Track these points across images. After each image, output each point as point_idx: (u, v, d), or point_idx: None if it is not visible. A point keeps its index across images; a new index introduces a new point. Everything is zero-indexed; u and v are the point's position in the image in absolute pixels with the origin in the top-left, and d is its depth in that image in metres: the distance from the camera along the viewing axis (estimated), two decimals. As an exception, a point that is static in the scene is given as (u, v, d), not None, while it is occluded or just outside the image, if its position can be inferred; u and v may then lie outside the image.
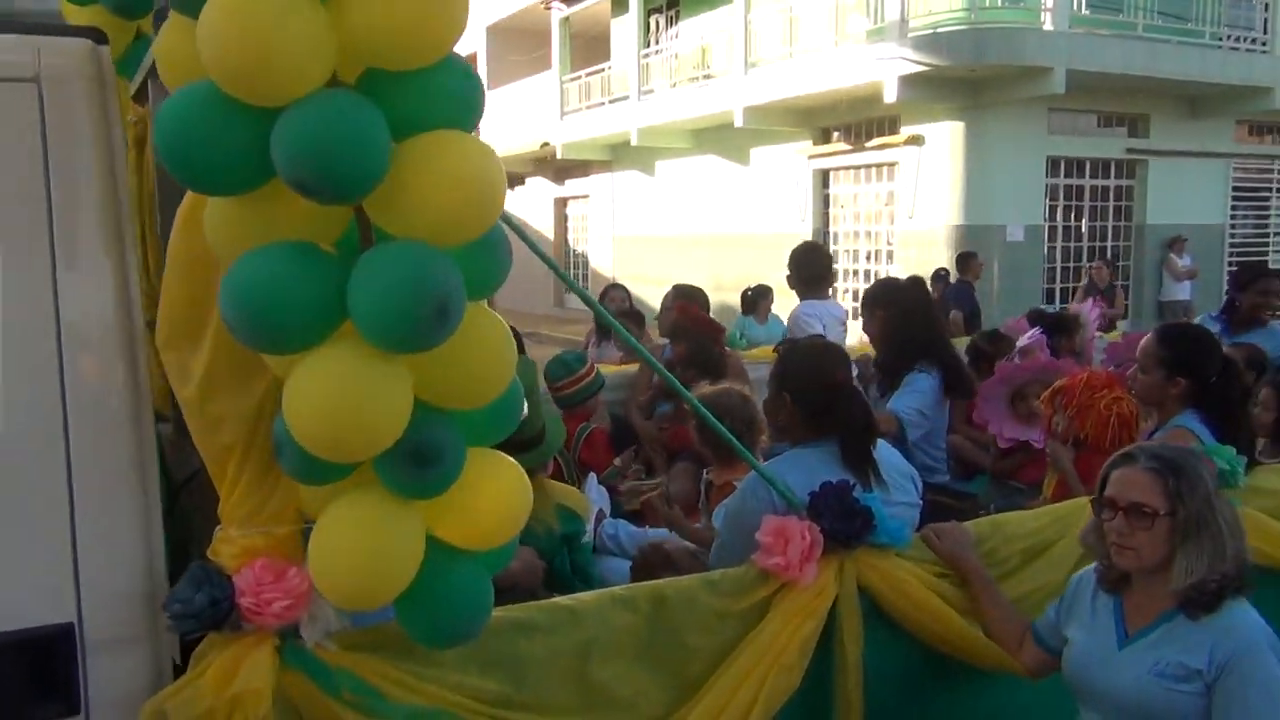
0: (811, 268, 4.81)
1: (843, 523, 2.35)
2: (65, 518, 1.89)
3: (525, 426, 3.10)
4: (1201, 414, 3.15)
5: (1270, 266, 5.83)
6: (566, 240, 26.36)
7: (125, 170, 2.01)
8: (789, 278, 4.86)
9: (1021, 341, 4.52)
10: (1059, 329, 4.91)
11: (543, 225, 26.56)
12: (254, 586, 1.85)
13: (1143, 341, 3.35)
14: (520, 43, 25.15)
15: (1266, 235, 18.21)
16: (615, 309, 6.57)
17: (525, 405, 3.01)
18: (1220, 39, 15.55)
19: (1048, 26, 14.17)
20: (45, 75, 1.86)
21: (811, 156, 17.96)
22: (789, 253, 4.91)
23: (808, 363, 2.85)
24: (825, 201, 18.27)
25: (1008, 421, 4.05)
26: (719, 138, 19.38)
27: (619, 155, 22.57)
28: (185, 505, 2.40)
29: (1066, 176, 16.14)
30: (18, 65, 1.85)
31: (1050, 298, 15.84)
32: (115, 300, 1.93)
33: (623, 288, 7.79)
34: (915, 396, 4.02)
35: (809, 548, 2.31)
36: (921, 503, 2.89)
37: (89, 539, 1.91)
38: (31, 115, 1.85)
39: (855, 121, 16.92)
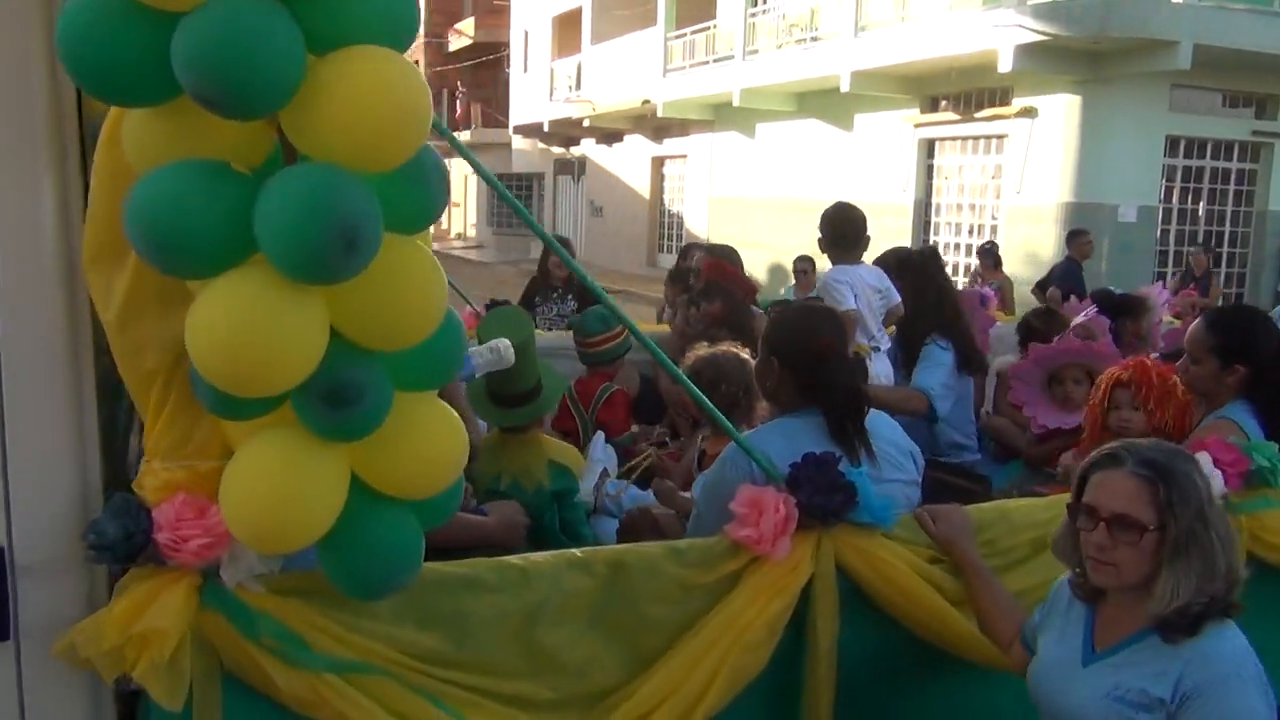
0: (844, 229, 4.56)
1: (822, 497, 2.18)
2: (-5, 439, 1.85)
3: (519, 380, 3.01)
4: (1252, 405, 2.88)
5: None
6: (662, 199, 26.18)
7: (73, 85, 1.94)
8: (820, 240, 4.64)
9: (1076, 320, 4.23)
10: (1124, 311, 4.60)
11: (639, 183, 26.44)
12: (172, 522, 1.78)
13: (1191, 328, 3.08)
14: (626, -2, 24.94)
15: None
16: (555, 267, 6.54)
17: (511, 356, 2.93)
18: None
19: (1175, -1, 13.43)
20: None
21: (918, 125, 17.48)
22: (821, 214, 4.69)
23: (796, 325, 2.68)
24: (929, 172, 17.78)
25: (1042, 406, 3.79)
26: (823, 102, 18.95)
27: (720, 116, 22.24)
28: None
29: (1186, 157, 15.37)
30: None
31: (1161, 282, 15.11)
32: (54, 220, 1.86)
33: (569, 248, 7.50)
34: (937, 370, 3.82)
35: (783, 521, 2.15)
36: (921, 480, 2.69)
37: (20, 461, 1.86)
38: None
39: (965, 90, 16.38)
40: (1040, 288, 10.61)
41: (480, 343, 2.99)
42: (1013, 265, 15.67)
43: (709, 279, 4.70)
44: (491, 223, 35.24)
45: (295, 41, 1.48)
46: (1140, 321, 4.65)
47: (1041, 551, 2.41)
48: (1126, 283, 13.27)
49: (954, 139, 17.18)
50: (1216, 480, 2.50)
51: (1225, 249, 15.89)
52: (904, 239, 17.41)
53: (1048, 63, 14.10)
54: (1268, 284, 15.59)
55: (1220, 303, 13.57)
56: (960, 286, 11.95)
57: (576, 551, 2.17)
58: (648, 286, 19.96)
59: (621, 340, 4.19)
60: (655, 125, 24.60)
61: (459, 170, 39.84)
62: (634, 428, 3.97)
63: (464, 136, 35.78)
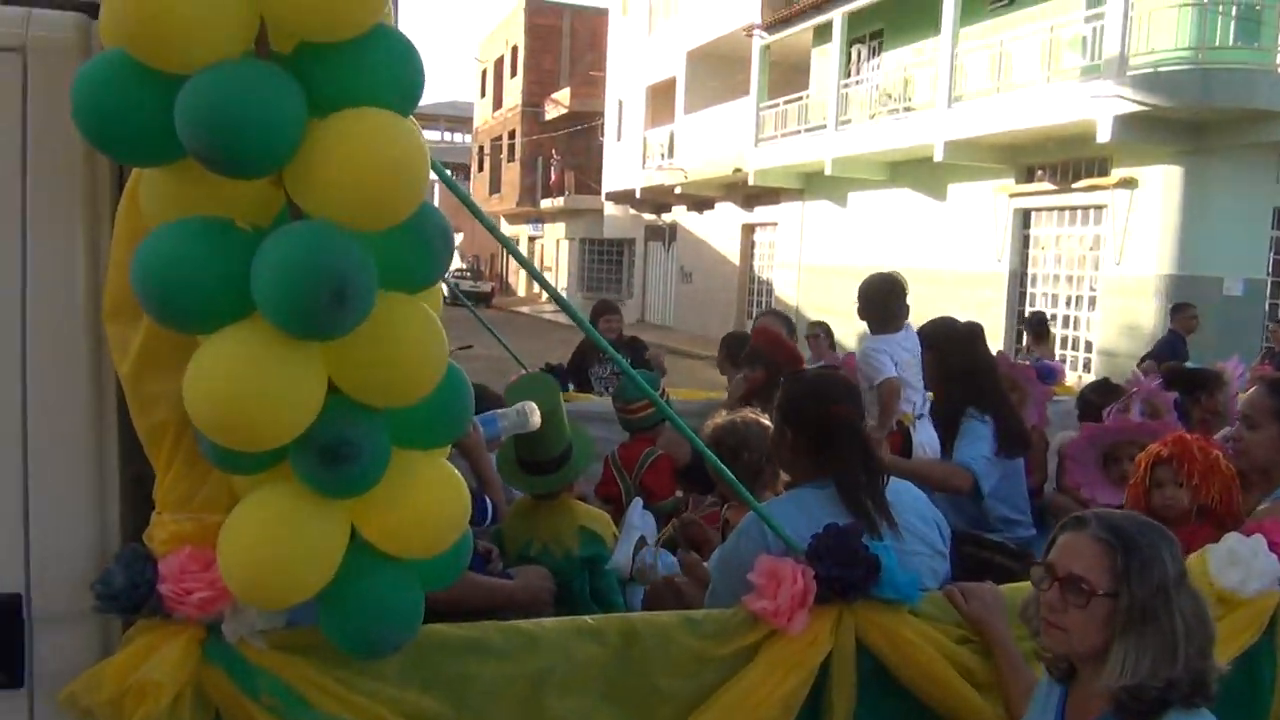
0: (883, 299, 4.48)
1: (843, 570, 2.10)
2: (18, 488, 1.89)
3: (548, 446, 2.99)
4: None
5: None
6: (752, 267, 26.20)
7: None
8: (860, 309, 4.56)
9: (1133, 390, 4.03)
10: (1196, 386, 4.38)
11: (728, 250, 26.53)
12: (176, 574, 1.79)
13: (1249, 394, 2.92)
14: (719, 68, 25.28)
15: None
16: (606, 332, 6.56)
17: (536, 420, 2.91)
18: None
19: (1282, 68, 13.06)
20: (32, 46, 1.88)
21: (1013, 195, 17.22)
22: (860, 283, 4.61)
23: (807, 392, 2.61)
24: (1025, 242, 17.48)
25: (1100, 486, 3.62)
26: (916, 171, 18.84)
27: (811, 184, 22.26)
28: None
29: (1294, 228, 14.78)
30: (4, 35, 1.87)
31: (1237, 357, 14.47)
32: (85, 275, 1.92)
33: (619, 314, 7.56)
34: (978, 444, 3.69)
35: (801, 593, 2.08)
36: (950, 552, 2.58)
37: (41, 510, 1.91)
38: (14, 85, 1.87)
39: (1062, 161, 16.12)
40: (1145, 363, 10.24)
41: (508, 405, 2.99)
42: (1110, 338, 15.25)
43: (755, 346, 4.65)
44: (582, 286, 35.69)
45: (294, 103, 1.52)
46: (1215, 397, 4.42)
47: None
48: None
49: (1050, 209, 16.88)
50: (1273, 563, 2.34)
51: (1337, 324, 15.18)
52: (998, 309, 17.10)
53: (1148, 133, 13.81)
54: (1385, 362, 14.83)
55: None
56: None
57: (589, 619, 2.12)
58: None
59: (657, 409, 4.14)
60: (746, 193, 24.73)
61: (552, 235, 40.63)
62: (678, 493, 3.91)
63: (558, 203, 36.49)
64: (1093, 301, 16.00)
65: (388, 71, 1.62)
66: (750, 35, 22.64)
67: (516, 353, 5.54)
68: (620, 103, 32.18)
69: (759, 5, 22.58)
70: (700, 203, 27.63)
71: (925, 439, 4.20)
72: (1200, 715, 1.74)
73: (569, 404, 5.18)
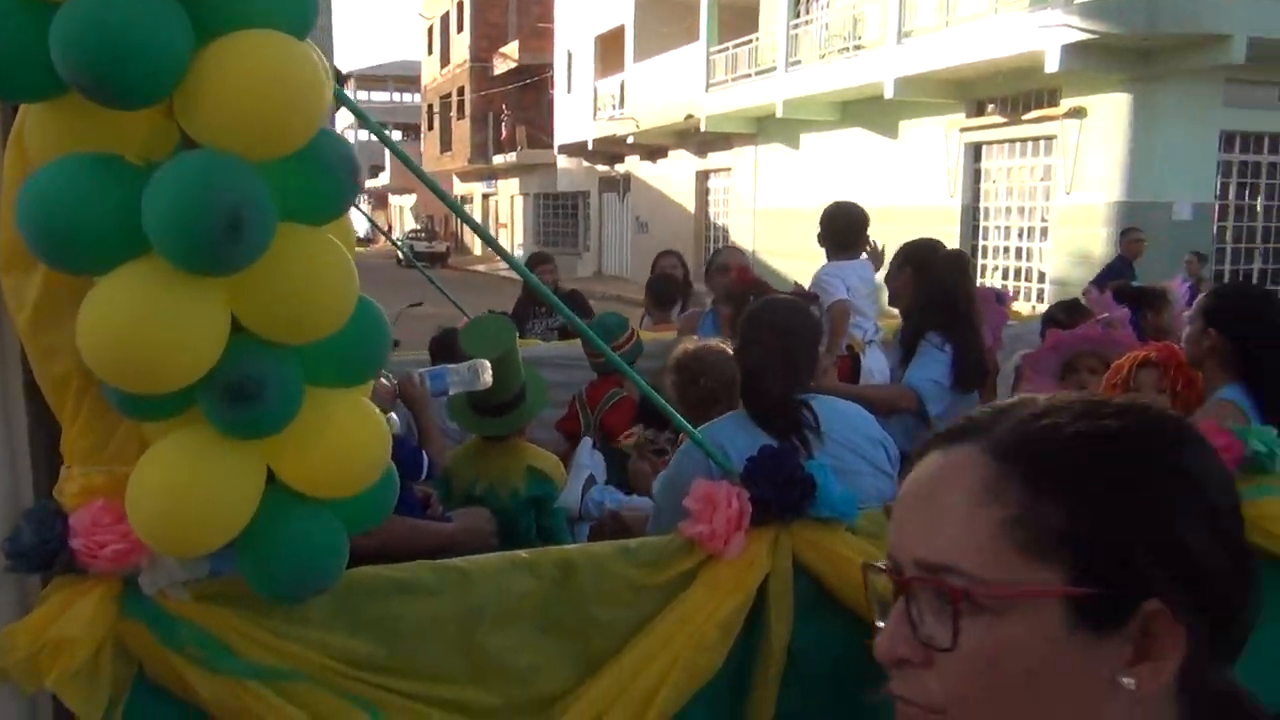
0: (841, 227, 4.47)
1: (778, 491, 2.08)
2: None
3: (501, 390, 2.95)
4: (1248, 387, 2.73)
5: None
6: (707, 214, 26.10)
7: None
8: (819, 234, 4.54)
9: (1102, 316, 4.06)
10: (1144, 304, 4.42)
11: (684, 198, 26.41)
12: (88, 528, 1.74)
13: (1199, 300, 2.98)
14: (668, 14, 24.99)
15: None
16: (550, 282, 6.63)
17: (488, 379, 2.87)
18: None
19: (1228, -9, 13.07)
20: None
21: (964, 129, 17.24)
22: (822, 212, 4.59)
23: (759, 316, 2.60)
24: (976, 176, 17.51)
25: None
26: (867, 110, 18.78)
27: (763, 128, 22.15)
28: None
29: (1243, 152, 14.91)
30: None
31: (1219, 280, 14.65)
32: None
33: (553, 261, 7.60)
34: (931, 367, 3.68)
35: (736, 516, 2.06)
36: (894, 473, 2.58)
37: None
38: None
39: (1012, 93, 16.11)
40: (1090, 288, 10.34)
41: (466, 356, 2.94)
42: (1063, 268, 15.37)
43: (730, 286, 4.61)
44: (538, 241, 35.45)
45: (176, 27, 1.44)
46: (1161, 315, 4.47)
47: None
48: (1182, 282, 12.95)
49: (1001, 142, 16.91)
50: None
51: (1287, 245, 15.41)
52: (952, 244, 17.07)
53: (1096, 61, 13.81)
54: (1329, 281, 15.09)
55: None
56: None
57: (523, 553, 2.09)
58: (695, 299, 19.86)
59: (630, 348, 4.14)
60: (699, 140, 24.58)
61: (506, 192, 40.28)
62: (638, 428, 3.89)
63: (511, 158, 36.12)
64: (1045, 232, 16.10)
65: (277, -8, 1.55)
66: (697, -22, 22.41)
67: (470, 309, 5.49)
68: (569, 54, 31.78)
69: (705, -52, 22.33)
70: (653, 151, 27.44)
71: (875, 365, 4.20)
72: None
73: (526, 350, 5.16)
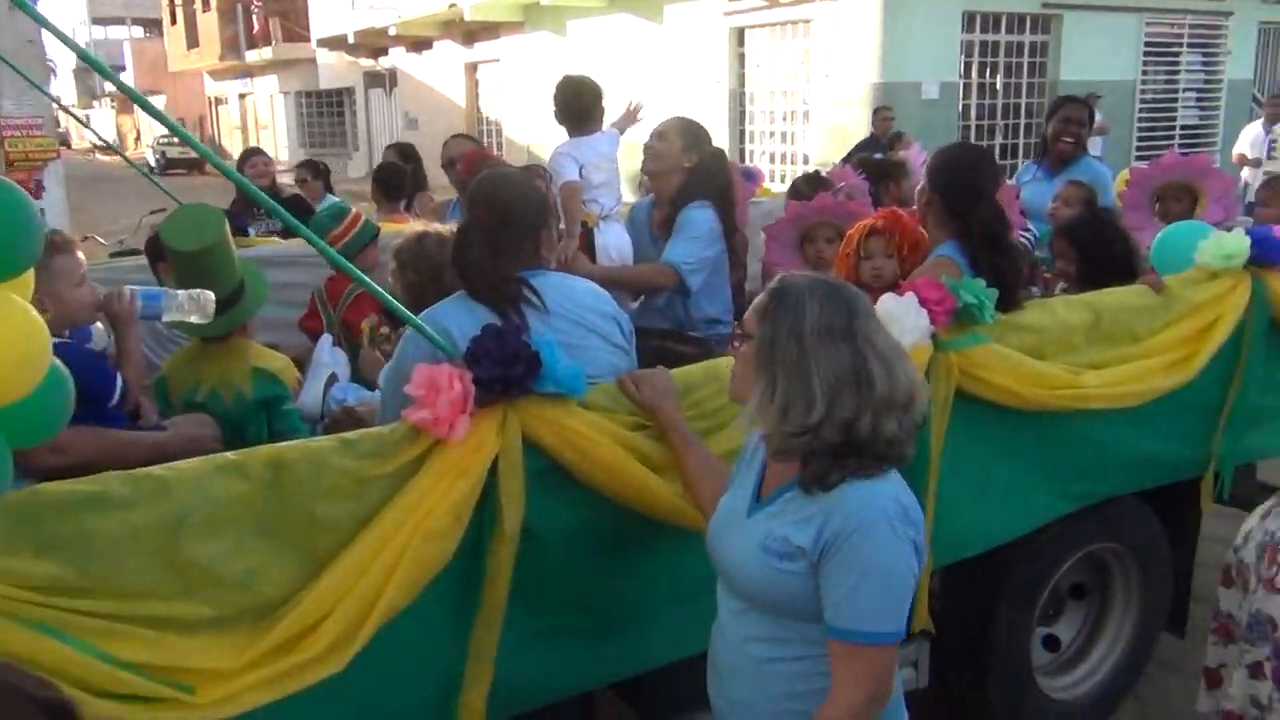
0: (574, 102, 4.38)
1: (501, 369, 2.00)
2: None
3: (215, 286, 2.72)
4: (962, 244, 2.86)
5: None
6: (479, 107, 25.41)
7: None
8: (555, 113, 4.46)
9: (840, 186, 4.17)
10: (884, 175, 4.58)
11: (454, 92, 25.58)
12: None
13: (927, 164, 3.10)
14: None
15: (1176, 91, 17.94)
16: (256, 178, 6.58)
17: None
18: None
19: None
20: None
21: (727, 13, 17.27)
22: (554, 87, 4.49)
23: (474, 194, 2.50)
24: (740, 60, 17.67)
25: (795, 266, 3.74)
26: (632, -6, 18.57)
27: (530, 15, 21.58)
28: None
29: (982, 32, 15.65)
30: None
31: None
32: None
33: (264, 155, 7.59)
34: (693, 243, 3.71)
35: (460, 398, 1.97)
36: (634, 348, 2.57)
37: None
38: None
39: (772, -26, 16.23)
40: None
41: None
42: (825, 149, 15.81)
43: (463, 178, 4.44)
44: (304, 143, 33.68)
45: None
46: (901, 185, 4.64)
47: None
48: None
49: (762, 25, 17.09)
50: (923, 319, 2.44)
51: (1023, 120, 16.38)
52: (721, 130, 17.34)
53: (848, -58, 14.07)
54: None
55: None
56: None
57: (230, 454, 1.94)
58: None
59: (359, 231, 3.90)
60: (465, 30, 23.69)
61: (264, 91, 37.93)
62: (383, 327, 3.72)
63: (266, 54, 33.94)
64: (807, 115, 16.50)
65: None
66: None
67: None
68: (321, -63, 29.86)
69: None
70: (419, 44, 26.29)
71: (611, 241, 4.16)
72: (885, 478, 1.74)
73: (261, 249, 4.86)
